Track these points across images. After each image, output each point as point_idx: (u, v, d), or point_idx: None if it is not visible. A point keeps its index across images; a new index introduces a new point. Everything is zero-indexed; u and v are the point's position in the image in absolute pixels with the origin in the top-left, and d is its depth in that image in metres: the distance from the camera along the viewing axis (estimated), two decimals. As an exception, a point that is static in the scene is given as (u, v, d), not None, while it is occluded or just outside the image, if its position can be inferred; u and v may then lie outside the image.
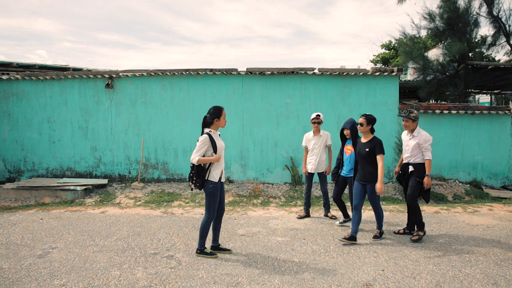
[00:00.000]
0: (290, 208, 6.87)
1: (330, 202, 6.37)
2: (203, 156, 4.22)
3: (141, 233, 5.32)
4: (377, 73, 8.36)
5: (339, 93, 8.53)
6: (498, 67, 10.28)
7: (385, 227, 5.47)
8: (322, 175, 6.02)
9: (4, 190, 7.97)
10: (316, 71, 8.48)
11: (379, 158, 4.70)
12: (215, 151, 4.25)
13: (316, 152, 5.97)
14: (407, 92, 13.33)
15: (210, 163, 4.28)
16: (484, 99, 18.15)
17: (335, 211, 6.29)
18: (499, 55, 17.39)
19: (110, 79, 8.80)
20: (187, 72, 8.59)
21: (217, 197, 4.33)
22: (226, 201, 7.30)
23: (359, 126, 4.88)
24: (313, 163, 5.98)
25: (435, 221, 5.87)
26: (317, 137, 6.00)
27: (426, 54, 11.09)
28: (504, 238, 5.06)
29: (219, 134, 4.45)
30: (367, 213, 6.22)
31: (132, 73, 8.74)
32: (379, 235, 5.04)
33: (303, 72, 8.43)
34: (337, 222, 5.72)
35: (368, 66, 17.48)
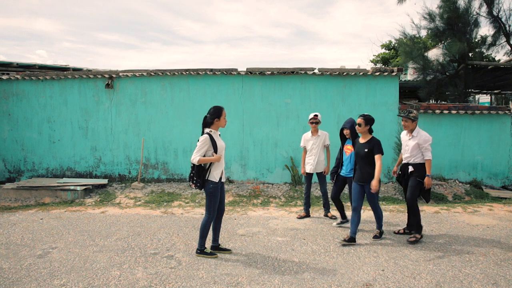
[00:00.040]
0: (290, 208, 6.87)
1: (330, 202, 6.37)
2: (204, 156, 4.22)
3: (141, 233, 5.32)
4: (377, 73, 8.36)
5: (339, 93, 8.53)
6: (498, 67, 10.28)
7: (385, 227, 5.48)
8: (321, 175, 6.02)
9: (4, 190, 7.97)
10: (316, 71, 8.48)
11: (377, 157, 4.69)
12: (215, 151, 4.25)
13: (314, 152, 5.97)
14: (407, 92, 13.33)
15: (211, 163, 4.28)
16: (484, 99, 18.15)
17: (335, 211, 6.28)
18: (499, 55, 17.41)
19: (110, 79, 8.80)
20: (187, 72, 8.59)
21: (217, 197, 4.33)
22: (226, 201, 7.30)
23: (357, 126, 4.86)
24: (311, 163, 5.98)
25: (435, 221, 5.87)
26: (315, 137, 6.00)
27: (426, 54, 11.08)
28: (504, 238, 5.06)
29: (219, 134, 4.45)
30: (367, 213, 6.22)
31: (132, 73, 8.74)
32: (379, 235, 5.04)
33: (303, 72, 8.43)
34: (334, 223, 5.70)
35: (368, 66, 17.49)
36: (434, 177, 8.39)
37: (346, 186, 5.58)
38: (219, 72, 8.55)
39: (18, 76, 9.07)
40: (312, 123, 5.95)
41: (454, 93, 10.26)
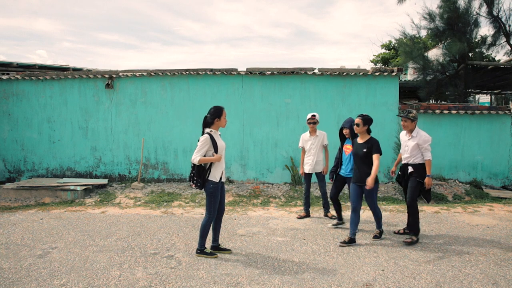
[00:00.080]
0: (290, 208, 6.87)
1: (330, 202, 6.37)
2: (204, 156, 4.22)
3: (141, 233, 5.32)
4: (377, 73, 8.36)
5: (339, 93, 8.53)
6: (498, 67, 10.28)
7: (385, 228, 5.48)
8: (320, 175, 6.02)
9: (4, 190, 7.97)
10: (316, 71, 8.48)
11: (375, 157, 4.67)
12: (216, 151, 4.25)
13: (313, 153, 5.98)
14: (407, 92, 13.33)
15: (211, 163, 4.28)
16: (484, 99, 18.15)
17: (335, 211, 6.28)
18: (499, 55, 17.38)
19: (110, 79, 8.80)
20: (187, 72, 8.59)
21: (217, 197, 4.33)
22: (226, 201, 7.30)
23: (355, 126, 4.83)
24: (310, 163, 5.98)
25: (435, 221, 5.87)
26: (313, 137, 6.00)
27: (426, 54, 11.08)
28: (504, 238, 5.06)
29: (220, 134, 4.45)
30: (367, 213, 6.22)
31: (132, 73, 8.74)
32: (379, 235, 5.03)
33: (303, 72, 8.43)
34: (329, 224, 5.67)
35: (368, 66, 17.49)
36: (434, 177, 8.39)
37: (346, 186, 5.57)
38: (219, 72, 8.55)
39: (18, 76, 9.07)
40: (310, 123, 5.95)
41: (454, 93, 10.26)
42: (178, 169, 8.85)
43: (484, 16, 10.24)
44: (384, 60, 23.10)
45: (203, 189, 4.34)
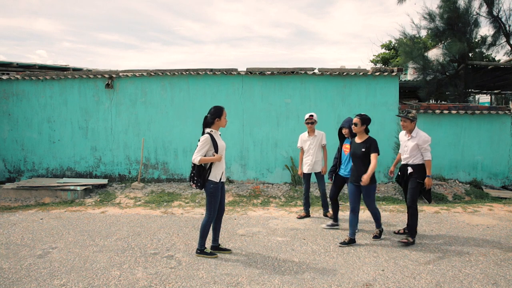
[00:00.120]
0: (290, 208, 6.87)
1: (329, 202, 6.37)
2: (205, 156, 4.23)
3: (141, 233, 5.32)
4: (377, 73, 8.36)
5: (339, 93, 8.53)
6: (498, 67, 10.28)
7: (385, 228, 5.48)
8: (319, 175, 6.02)
9: (4, 190, 7.97)
10: (316, 71, 8.48)
11: (373, 156, 4.67)
12: (216, 151, 4.25)
13: (311, 153, 5.98)
14: (407, 92, 13.33)
15: (211, 163, 4.28)
16: (484, 99, 18.15)
17: (332, 211, 6.28)
18: (499, 55, 17.38)
19: (110, 79, 8.80)
20: (187, 72, 8.59)
21: (217, 197, 4.33)
22: (226, 201, 7.30)
23: (353, 126, 4.81)
24: (309, 164, 5.99)
25: (435, 221, 5.87)
26: (312, 137, 6.00)
27: (426, 54, 11.08)
28: (504, 238, 5.06)
29: (220, 134, 4.45)
30: (367, 213, 6.21)
31: (132, 73, 8.74)
32: (378, 235, 5.03)
33: (303, 72, 8.43)
34: (323, 225, 5.64)
35: (368, 66, 17.49)
36: (434, 177, 8.39)
37: (346, 186, 5.56)
38: (219, 72, 8.55)
39: (18, 76, 9.07)
40: (308, 123, 5.96)
41: (454, 93, 10.26)
42: (178, 169, 8.85)
43: (484, 16, 10.24)
44: (384, 60, 23.11)
45: (203, 189, 4.34)
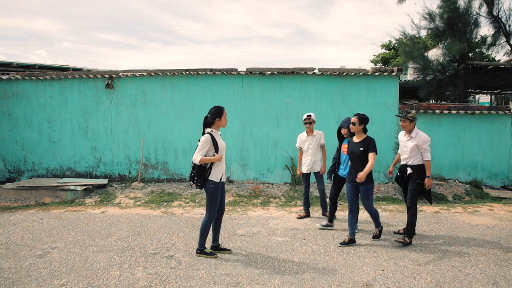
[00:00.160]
0: (290, 208, 6.87)
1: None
2: (205, 156, 4.23)
3: (141, 233, 5.32)
4: (377, 73, 8.36)
5: (339, 93, 8.53)
6: (498, 67, 10.28)
7: (385, 228, 5.48)
8: (318, 175, 6.02)
9: (4, 190, 7.97)
10: (316, 71, 8.48)
11: (371, 155, 4.66)
12: (216, 151, 4.25)
13: (310, 152, 5.98)
14: (407, 92, 13.33)
15: (212, 163, 4.28)
16: (484, 99, 18.14)
17: (329, 211, 6.26)
18: (499, 55, 17.38)
19: (110, 79, 8.80)
20: (187, 72, 8.59)
21: (218, 197, 4.33)
22: (226, 201, 7.30)
23: (351, 125, 4.81)
24: (308, 163, 5.99)
25: (435, 221, 5.87)
26: (310, 137, 6.00)
27: (426, 54, 11.07)
28: (504, 238, 5.06)
29: (220, 134, 4.45)
30: (367, 212, 6.20)
31: (132, 73, 8.74)
32: (378, 234, 5.02)
33: (303, 72, 8.43)
34: (318, 225, 5.62)
35: (368, 66, 17.49)
36: (434, 177, 8.39)
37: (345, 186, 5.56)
38: (219, 72, 8.55)
39: (18, 76, 9.07)
40: (306, 123, 5.96)
41: (454, 93, 10.26)
42: (178, 169, 8.85)
43: (484, 16, 10.24)
44: (384, 60, 23.11)
45: (203, 189, 4.34)
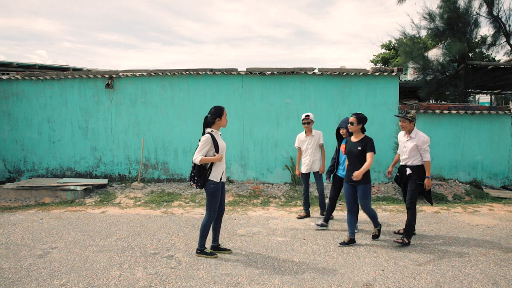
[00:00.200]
0: (290, 208, 6.87)
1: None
2: (205, 156, 4.23)
3: (141, 233, 5.32)
4: (377, 73, 8.36)
5: (339, 93, 8.53)
6: (498, 67, 10.28)
7: (385, 228, 5.48)
8: (317, 174, 6.02)
9: (4, 190, 7.97)
10: (316, 71, 8.48)
11: (368, 155, 4.65)
12: (217, 151, 4.26)
13: (309, 152, 5.98)
14: (407, 92, 13.33)
15: (212, 163, 4.28)
16: (484, 99, 18.14)
17: (326, 211, 6.25)
18: (499, 55, 17.38)
19: (110, 79, 8.80)
20: (187, 72, 8.59)
21: (218, 197, 4.33)
22: (226, 201, 7.30)
23: (349, 125, 4.80)
24: (307, 163, 5.99)
25: (435, 221, 5.87)
26: (309, 137, 6.01)
27: (426, 54, 11.07)
28: (504, 238, 5.07)
29: (220, 134, 4.45)
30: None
31: (132, 73, 8.74)
32: (377, 233, 5.01)
33: (303, 72, 8.43)
34: (313, 223, 5.61)
35: (368, 66, 17.49)
36: (434, 177, 8.39)
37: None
38: (219, 72, 8.55)
39: (18, 76, 9.07)
40: (304, 123, 5.96)
41: (454, 93, 10.26)
42: (178, 169, 8.85)
43: (484, 16, 10.24)
44: (384, 60, 23.10)
45: (203, 189, 4.34)
